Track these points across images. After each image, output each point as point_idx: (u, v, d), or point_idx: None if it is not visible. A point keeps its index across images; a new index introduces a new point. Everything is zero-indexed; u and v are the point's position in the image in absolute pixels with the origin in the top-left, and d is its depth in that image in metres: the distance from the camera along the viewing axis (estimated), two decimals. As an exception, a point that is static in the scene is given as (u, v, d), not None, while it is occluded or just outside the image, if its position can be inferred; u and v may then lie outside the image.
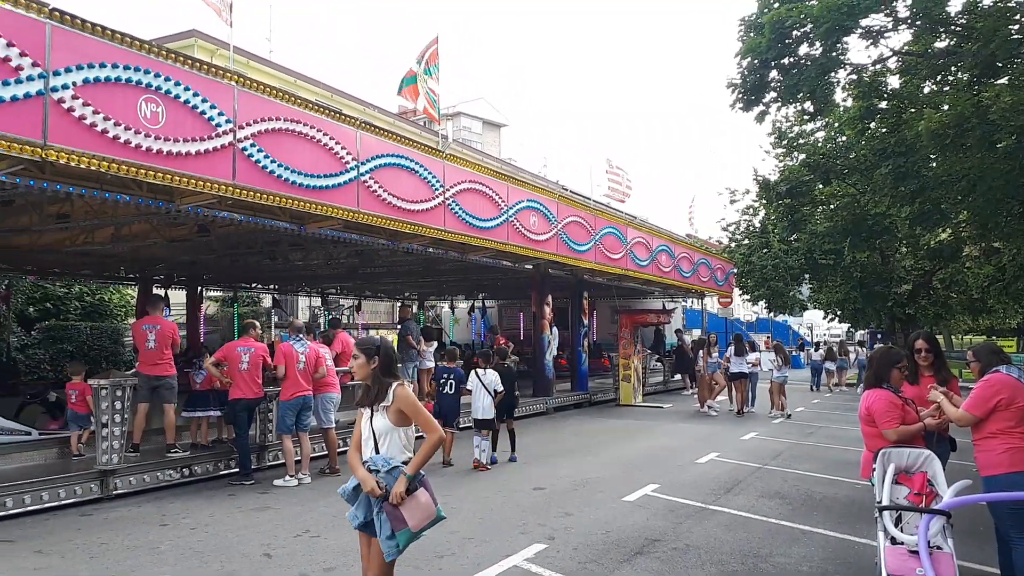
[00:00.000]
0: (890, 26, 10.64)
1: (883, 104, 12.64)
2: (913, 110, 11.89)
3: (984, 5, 10.00)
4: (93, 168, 6.84)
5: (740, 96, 10.88)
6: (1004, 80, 10.14)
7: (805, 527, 7.10)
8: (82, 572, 5.62)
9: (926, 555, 4.18)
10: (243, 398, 8.67)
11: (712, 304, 30.87)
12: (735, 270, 25.59)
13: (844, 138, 16.66)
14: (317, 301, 31.45)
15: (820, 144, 19.57)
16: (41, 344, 20.62)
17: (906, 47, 12.04)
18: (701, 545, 6.43)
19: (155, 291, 16.13)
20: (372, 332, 31.87)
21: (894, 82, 12.74)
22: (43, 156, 6.45)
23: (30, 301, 21.68)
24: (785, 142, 23.24)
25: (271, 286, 24.19)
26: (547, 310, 16.48)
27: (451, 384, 10.16)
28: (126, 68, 7.03)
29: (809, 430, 14.24)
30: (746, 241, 26.06)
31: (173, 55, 7.55)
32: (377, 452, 4.04)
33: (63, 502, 7.48)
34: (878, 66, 12.28)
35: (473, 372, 10.22)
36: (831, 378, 26.00)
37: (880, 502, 4.77)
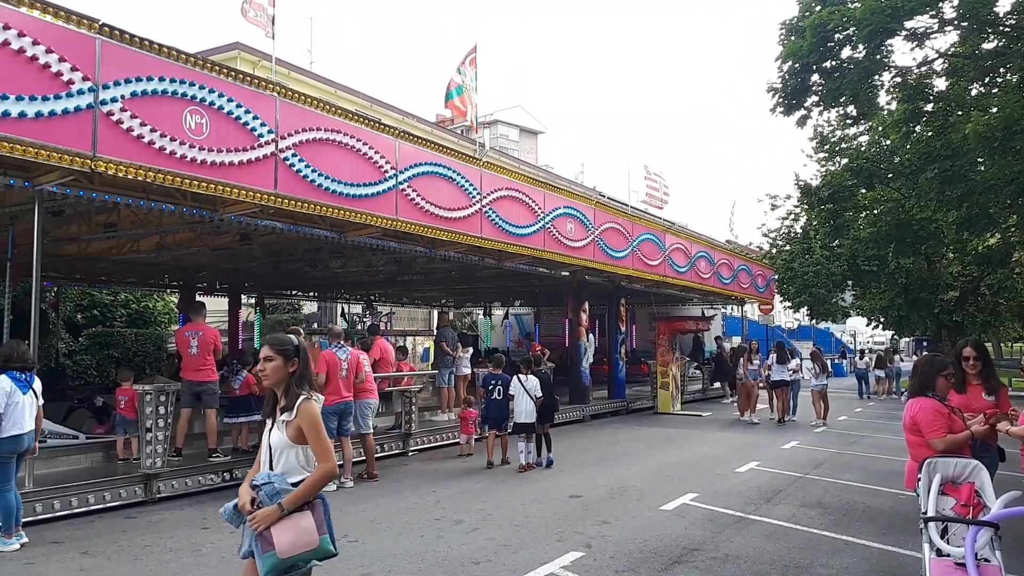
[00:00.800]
0: (935, 28, 10.44)
1: (929, 107, 12.40)
2: (960, 113, 11.64)
3: (1034, 5, 9.78)
4: (140, 178, 7.03)
5: (781, 100, 10.76)
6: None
7: (847, 538, 6.96)
8: (125, 573, 5.74)
9: (973, 568, 4.08)
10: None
11: (752, 311, 30.49)
12: (776, 276, 25.25)
13: (888, 142, 16.37)
14: (356, 308, 31.85)
15: (863, 148, 19.26)
16: (88, 350, 21.17)
17: (952, 49, 11.80)
18: (741, 555, 6.34)
19: (197, 300, 16.40)
20: (404, 339, 32.10)
21: (940, 84, 12.51)
22: (92, 167, 6.65)
23: (78, 308, 22.27)
24: (827, 147, 22.92)
25: (311, 293, 24.52)
26: (583, 317, 16.44)
27: (499, 389, 10.48)
28: (172, 81, 7.22)
29: (852, 439, 13.96)
30: (787, 247, 25.73)
31: (217, 67, 7.73)
32: (271, 469, 3.44)
33: (108, 505, 7.66)
34: (923, 68, 12.05)
35: (515, 378, 10.43)
36: (880, 386, 25.43)
37: (925, 513, 4.66)
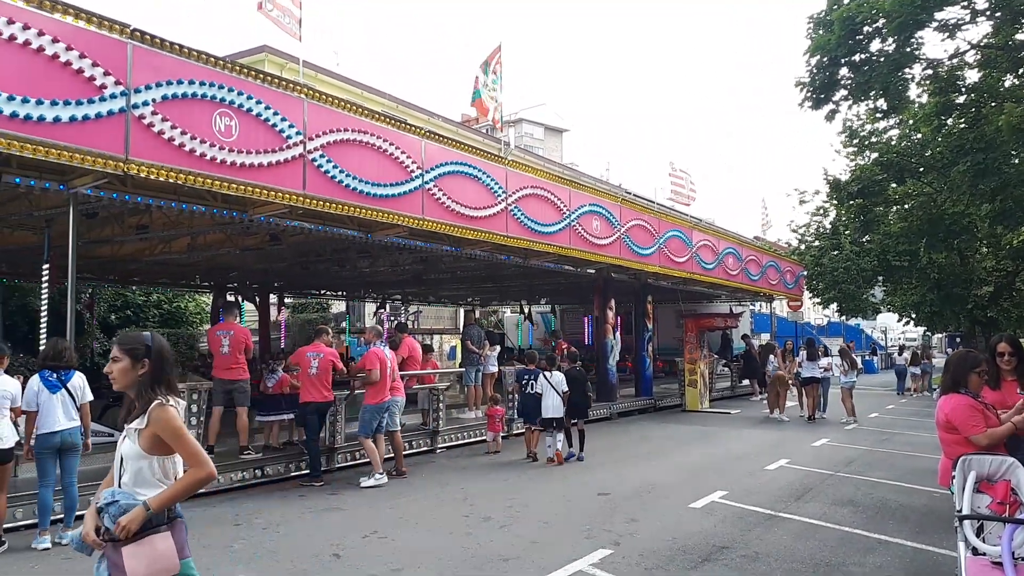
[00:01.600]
0: (967, 19, 10.26)
1: (960, 99, 12.19)
2: (993, 104, 11.41)
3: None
4: (171, 180, 7.14)
5: (809, 94, 10.65)
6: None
7: (880, 536, 6.88)
8: (163, 568, 5.83)
9: (1010, 567, 4.01)
10: (313, 401, 8.90)
11: (781, 308, 30.19)
12: (805, 272, 24.97)
13: (919, 136, 16.11)
14: (378, 308, 32.06)
15: (894, 142, 18.98)
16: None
17: (985, 40, 11.58)
18: (771, 553, 6.30)
19: (229, 299, 16.63)
20: (431, 337, 32.23)
21: (972, 76, 12.28)
22: (125, 170, 6.77)
23: (112, 309, 22.68)
24: (856, 141, 22.65)
25: (339, 293, 24.73)
26: (610, 314, 16.39)
27: (531, 385, 10.78)
28: (202, 84, 7.33)
29: (883, 436, 13.78)
30: (816, 243, 25.46)
31: (245, 70, 7.82)
32: (120, 485, 3.02)
33: (144, 501, 7.77)
34: (954, 60, 11.85)
35: (541, 374, 10.66)
36: (915, 383, 25.01)
37: (960, 511, 4.59)
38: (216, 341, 9.02)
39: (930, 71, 11.68)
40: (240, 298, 19.19)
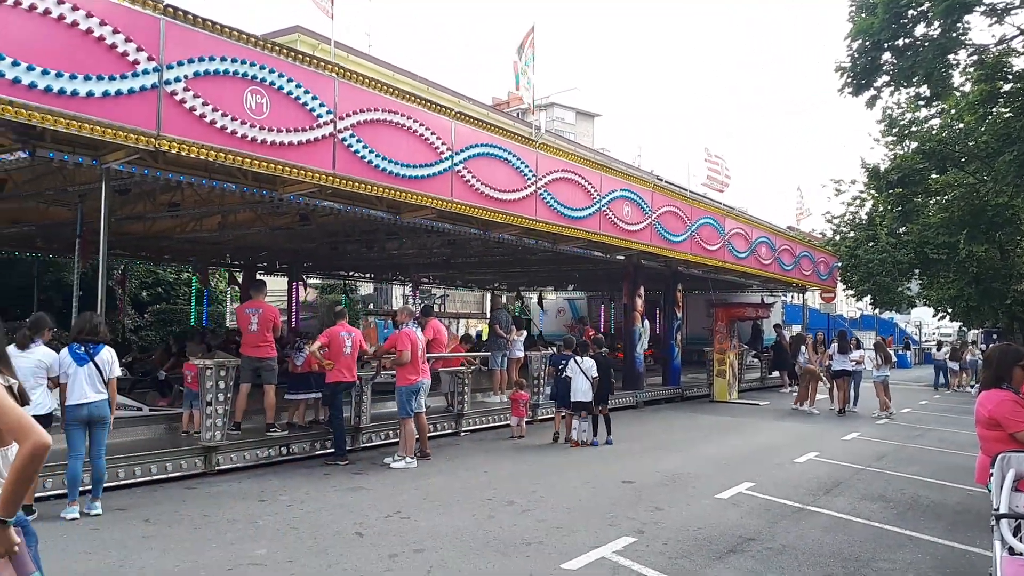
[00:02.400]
0: (1017, 2, 9.90)
1: (1007, 87, 11.78)
2: (1042, 92, 11.04)
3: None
4: (202, 157, 7.15)
5: (849, 80, 10.36)
6: None
7: (911, 532, 6.73)
8: (185, 541, 5.89)
9: (1050, 569, 3.87)
10: (342, 381, 8.93)
11: (813, 299, 29.73)
12: (839, 264, 24.53)
13: (962, 124, 15.65)
14: (408, 290, 32.16)
15: (936, 131, 18.47)
16: (152, 326, 21.86)
17: (1035, 25, 11.19)
18: (798, 546, 6.18)
19: (258, 278, 16.73)
20: (456, 321, 32.26)
21: (1021, 63, 11.89)
22: (156, 146, 6.78)
23: (143, 285, 23.02)
24: (896, 130, 22.14)
25: (367, 275, 24.83)
26: (639, 302, 16.22)
27: (564, 369, 10.92)
28: (233, 61, 7.31)
29: (916, 432, 13.51)
30: (851, 234, 24.98)
31: (277, 48, 7.80)
32: None
33: (169, 475, 7.87)
34: (1001, 47, 11.45)
35: (572, 359, 10.77)
36: (955, 378, 24.50)
37: (997, 509, 4.44)
38: (245, 319, 9.07)
39: (975, 57, 11.30)
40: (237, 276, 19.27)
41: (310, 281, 23.60)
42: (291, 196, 8.97)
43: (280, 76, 7.74)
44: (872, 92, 10.58)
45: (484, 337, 23.22)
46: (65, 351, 6.50)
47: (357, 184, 8.65)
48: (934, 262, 23.47)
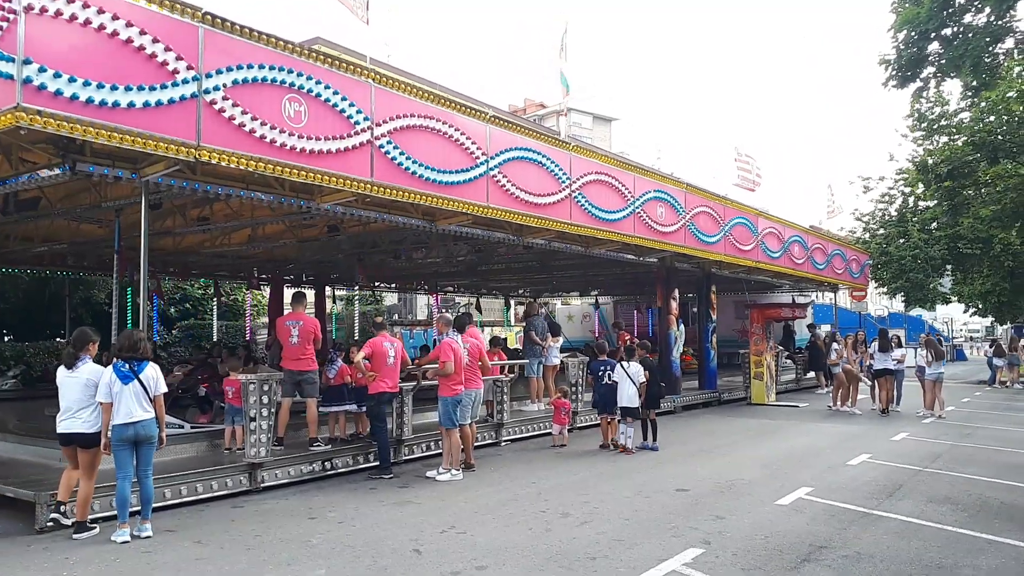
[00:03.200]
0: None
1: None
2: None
3: None
4: (242, 167, 7.01)
5: (895, 72, 10.08)
6: None
7: (988, 536, 6.44)
8: (241, 563, 5.71)
9: None
10: (385, 392, 8.75)
11: (842, 298, 29.30)
12: (870, 261, 24.13)
13: (1016, 114, 15.20)
14: (432, 300, 32.05)
15: (965, 124, 18.06)
16: (181, 342, 21.83)
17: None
18: (874, 553, 5.91)
19: (298, 290, 16.68)
20: (491, 330, 32.09)
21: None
22: (196, 156, 6.64)
23: (171, 302, 23.02)
24: (925, 125, 21.80)
25: (392, 285, 24.71)
26: (673, 305, 15.95)
27: (608, 375, 10.75)
28: (271, 68, 7.17)
29: (966, 431, 13.14)
30: (881, 231, 24.58)
31: (315, 54, 7.66)
32: None
33: (215, 494, 7.71)
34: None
35: (619, 364, 10.63)
36: (1001, 374, 24.00)
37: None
38: (285, 331, 8.90)
39: (1024, 45, 10.96)
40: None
41: (338, 292, 23.51)
42: (328, 206, 8.81)
43: (318, 83, 7.60)
44: (919, 83, 10.30)
45: (511, 344, 23.03)
46: (110, 370, 6.35)
47: (395, 192, 8.49)
48: (967, 257, 23.02)
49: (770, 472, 9.25)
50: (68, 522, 6.46)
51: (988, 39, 9.18)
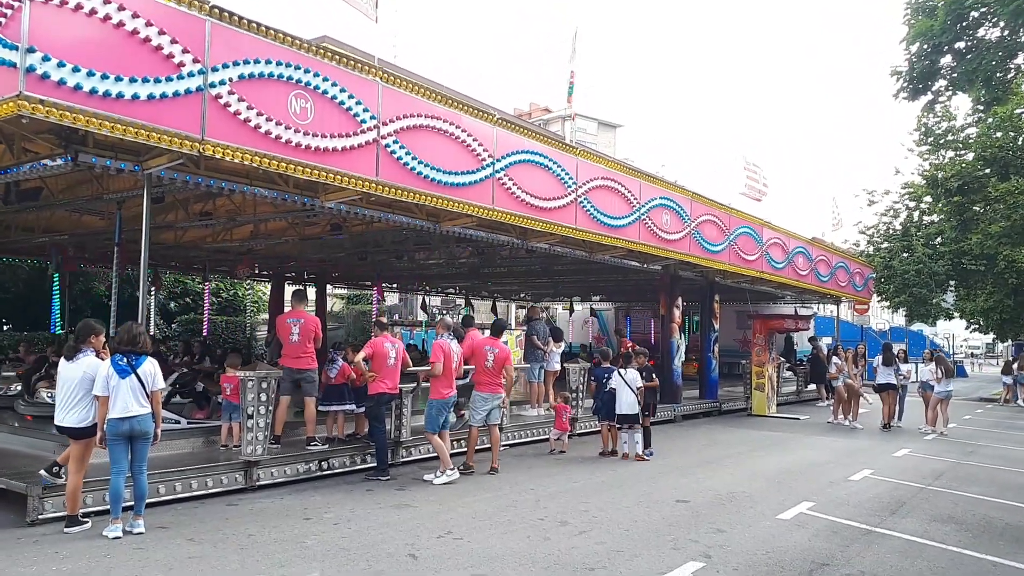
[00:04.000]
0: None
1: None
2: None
3: None
4: (246, 163, 6.93)
5: (905, 85, 9.99)
6: None
7: (993, 558, 6.34)
8: (233, 563, 5.62)
9: None
10: (385, 393, 8.66)
11: (844, 311, 29.21)
12: (873, 275, 24.05)
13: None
14: (436, 300, 31.95)
15: (993, 137, 17.93)
16: (180, 336, 21.74)
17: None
18: (877, 572, 5.82)
19: (298, 288, 16.62)
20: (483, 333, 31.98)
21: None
22: (201, 150, 6.56)
23: (171, 296, 22.94)
24: (931, 139, 21.75)
25: (393, 285, 24.63)
26: (676, 313, 15.85)
27: (607, 382, 10.75)
28: (278, 64, 7.09)
29: (968, 448, 13.03)
30: (885, 244, 24.49)
31: (322, 51, 7.58)
32: None
33: (210, 491, 7.62)
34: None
35: (616, 372, 10.56)
36: (1007, 392, 23.94)
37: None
38: (286, 329, 8.81)
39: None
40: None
41: (338, 291, 23.43)
42: (332, 204, 8.73)
43: (325, 80, 7.52)
44: (929, 96, 10.21)
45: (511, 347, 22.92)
46: (107, 363, 6.27)
47: (400, 192, 8.41)
48: (971, 273, 22.92)
49: (771, 485, 9.15)
50: (61, 482, 6.43)
51: (1001, 54, 9.11)
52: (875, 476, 9.96)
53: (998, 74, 10.02)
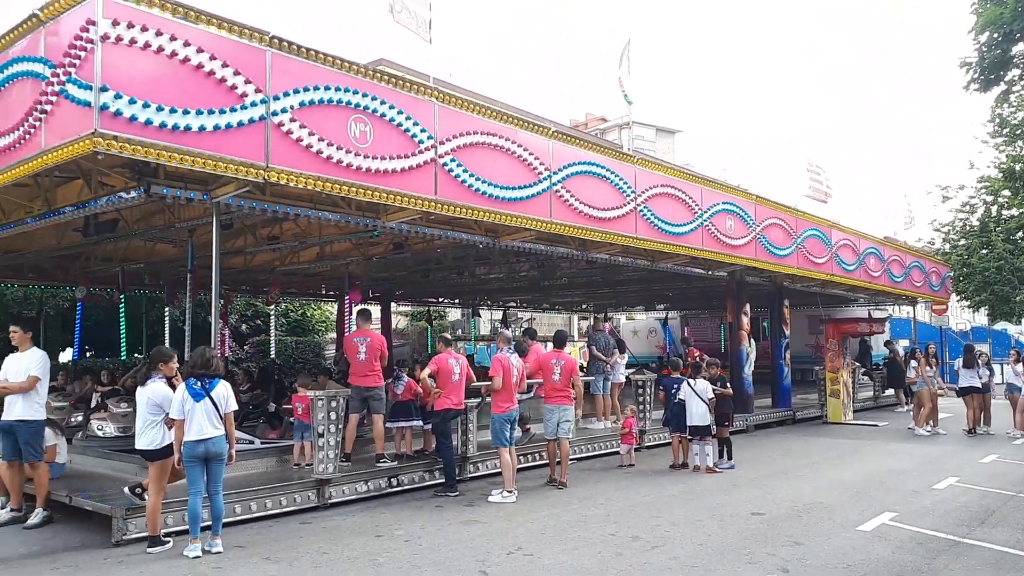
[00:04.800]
0: None
1: None
2: None
3: None
4: (309, 187, 7.09)
5: (976, 76, 9.59)
6: None
7: (1097, 572, 5.97)
8: (309, 581, 5.70)
9: None
10: (451, 409, 8.72)
11: (921, 312, 28.14)
12: (951, 273, 23.09)
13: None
14: (496, 315, 32.07)
15: None
16: (252, 358, 22.34)
17: None
18: (968, 588, 5.54)
19: (363, 307, 16.90)
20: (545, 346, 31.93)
21: None
22: (266, 177, 6.75)
23: (243, 318, 23.61)
24: (1007, 130, 20.77)
25: (455, 300, 24.81)
26: (744, 320, 15.51)
27: (677, 393, 10.64)
28: (337, 89, 7.25)
29: (1062, 454, 12.35)
30: (962, 241, 23.47)
31: (379, 75, 7.73)
32: None
33: (284, 509, 7.77)
34: None
35: (685, 382, 10.46)
36: None
37: None
38: (353, 348, 8.97)
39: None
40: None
41: (402, 308, 23.74)
42: (393, 224, 8.86)
43: (382, 103, 7.66)
44: (1002, 87, 9.78)
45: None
46: (182, 387, 6.47)
47: (459, 209, 8.49)
48: (1059, 267, 21.76)
49: (850, 495, 8.84)
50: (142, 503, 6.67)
51: (1083, 39, 8.68)
52: (961, 484, 9.51)
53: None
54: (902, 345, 21.99)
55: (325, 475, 8.00)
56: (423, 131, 8.05)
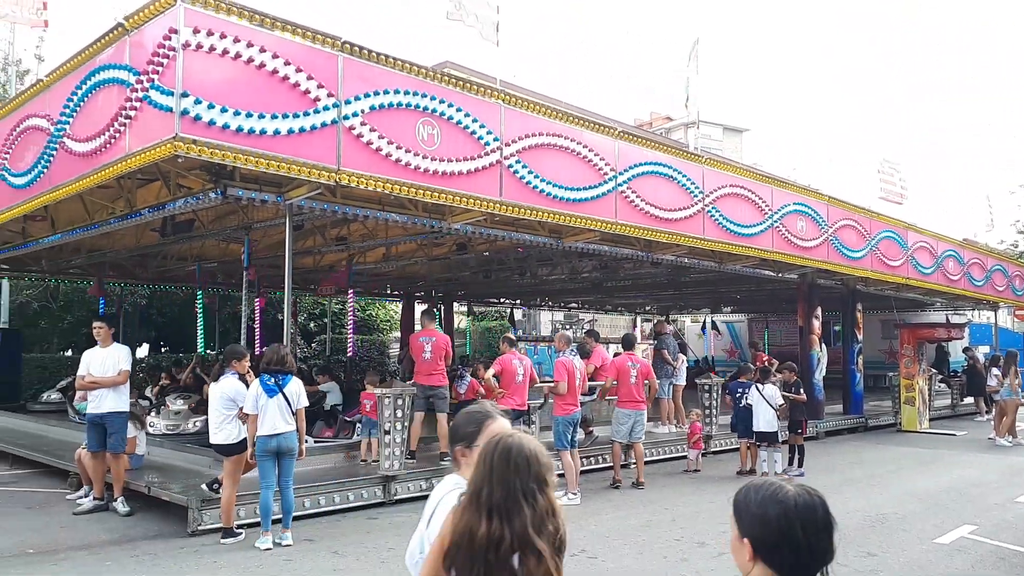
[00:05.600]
0: None
1: None
2: None
3: None
4: (378, 190, 7.23)
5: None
6: None
7: None
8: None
9: None
10: (515, 409, 8.75)
11: (1004, 317, 26.94)
12: (1037, 277, 22.06)
13: None
14: (559, 316, 32.03)
15: None
16: (319, 355, 22.83)
17: None
18: (1056, 607, 5.28)
19: (428, 307, 17.12)
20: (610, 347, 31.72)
21: None
22: (337, 180, 6.90)
23: (311, 317, 24.15)
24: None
25: (516, 301, 24.88)
26: (816, 324, 15.08)
27: (744, 398, 10.49)
28: (406, 93, 7.37)
29: None
30: (1048, 243, 22.42)
31: (447, 78, 7.82)
32: None
33: (351, 505, 7.93)
34: None
35: (754, 387, 10.23)
36: None
37: None
38: (419, 347, 9.09)
39: None
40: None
41: (461, 308, 23.92)
42: (458, 225, 8.94)
43: (450, 106, 7.74)
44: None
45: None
46: (256, 383, 6.66)
47: (523, 210, 8.53)
48: None
49: (926, 507, 8.52)
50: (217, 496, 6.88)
51: None
52: (1047, 498, 9.08)
53: None
54: (982, 352, 21.07)
55: (391, 472, 8.13)
56: (489, 133, 8.10)
